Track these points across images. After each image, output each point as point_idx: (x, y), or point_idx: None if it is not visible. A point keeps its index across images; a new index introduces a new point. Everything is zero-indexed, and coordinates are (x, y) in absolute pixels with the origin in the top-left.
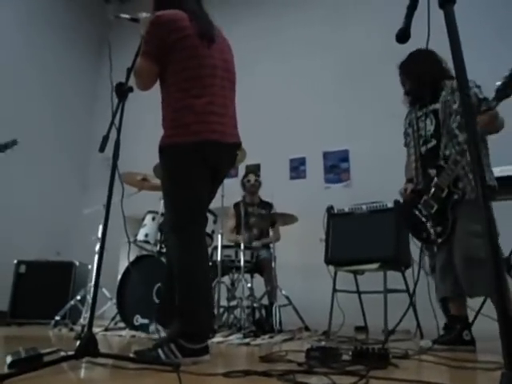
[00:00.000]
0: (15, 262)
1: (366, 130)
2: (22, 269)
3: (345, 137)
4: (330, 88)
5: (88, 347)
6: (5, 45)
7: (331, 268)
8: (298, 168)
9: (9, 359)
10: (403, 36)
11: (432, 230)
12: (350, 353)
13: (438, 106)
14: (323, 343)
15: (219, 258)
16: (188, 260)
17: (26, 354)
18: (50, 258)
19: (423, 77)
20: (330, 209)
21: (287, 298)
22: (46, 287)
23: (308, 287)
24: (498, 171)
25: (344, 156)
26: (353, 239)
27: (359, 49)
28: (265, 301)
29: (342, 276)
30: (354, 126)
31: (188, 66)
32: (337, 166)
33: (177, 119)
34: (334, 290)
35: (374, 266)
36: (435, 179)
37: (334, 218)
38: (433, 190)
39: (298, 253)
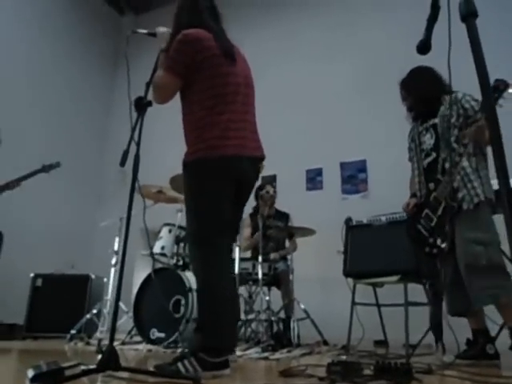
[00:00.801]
0: (32, 275)
1: (384, 139)
2: (39, 282)
3: (362, 147)
4: (346, 96)
5: (110, 361)
6: (18, 60)
7: (350, 280)
8: (314, 179)
9: (30, 373)
10: (424, 47)
11: (438, 242)
12: (372, 367)
13: (437, 120)
14: (344, 357)
15: (236, 271)
16: (209, 273)
17: (48, 368)
18: (65, 272)
19: (424, 93)
20: (348, 220)
21: (305, 311)
22: (62, 300)
23: (326, 300)
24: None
25: (361, 166)
26: (372, 251)
27: (378, 56)
28: (282, 314)
29: (361, 289)
30: (371, 136)
31: (213, 85)
32: (354, 177)
33: (200, 135)
34: (353, 303)
35: (394, 278)
36: (434, 193)
37: (353, 229)
38: (431, 203)
39: (316, 265)
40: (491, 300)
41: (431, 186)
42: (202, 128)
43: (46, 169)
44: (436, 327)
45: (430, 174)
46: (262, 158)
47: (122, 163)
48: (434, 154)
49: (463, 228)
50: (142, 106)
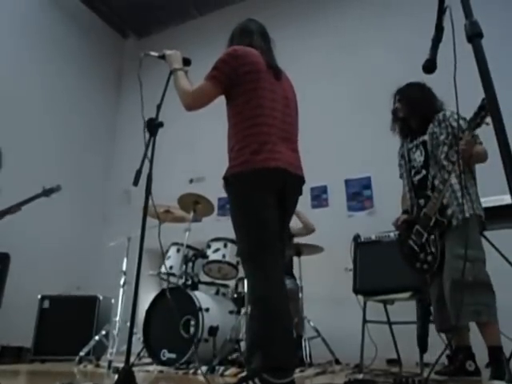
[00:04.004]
0: (39, 297)
1: (388, 155)
2: (46, 304)
3: (366, 163)
4: (349, 114)
5: (126, 381)
6: (24, 81)
7: (360, 298)
8: (319, 196)
9: None
10: (430, 67)
11: (428, 258)
12: None
13: (426, 137)
14: (361, 376)
15: (246, 289)
16: (261, 288)
17: None
18: (72, 293)
19: (417, 106)
20: (356, 237)
21: (316, 329)
22: (70, 322)
23: (336, 318)
24: (483, 201)
25: (366, 183)
26: (382, 268)
27: (380, 73)
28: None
29: (371, 306)
30: (376, 152)
31: (254, 96)
32: (359, 194)
33: (239, 149)
34: (365, 321)
35: (406, 294)
36: (424, 209)
37: (362, 246)
38: (422, 219)
39: (324, 283)
40: (474, 317)
41: (421, 202)
42: (242, 141)
43: (46, 193)
44: (422, 341)
45: (420, 190)
46: (303, 178)
47: (135, 183)
48: (423, 172)
49: (452, 244)
50: (153, 127)
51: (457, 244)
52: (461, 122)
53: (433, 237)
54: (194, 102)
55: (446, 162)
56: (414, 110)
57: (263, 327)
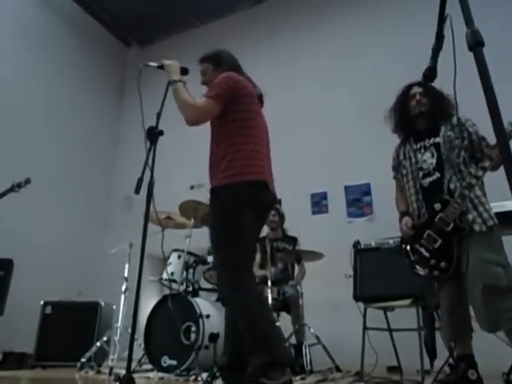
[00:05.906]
0: (41, 302)
1: (387, 162)
2: (48, 310)
3: (366, 170)
4: (349, 120)
5: None
6: (26, 89)
7: (360, 304)
8: (319, 203)
9: None
10: (430, 75)
11: (441, 264)
12: None
13: (438, 139)
14: None
15: None
16: (249, 296)
17: None
18: (74, 299)
19: (443, 105)
20: (356, 244)
21: (316, 336)
22: (72, 328)
23: (336, 325)
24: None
25: (366, 189)
26: (382, 274)
27: (381, 79)
28: (292, 340)
29: (372, 313)
30: (375, 159)
31: (247, 118)
32: (359, 200)
33: (231, 161)
34: (365, 328)
35: (407, 302)
36: (440, 213)
37: (362, 253)
38: (436, 224)
39: (324, 289)
40: (510, 324)
41: (437, 206)
42: (232, 155)
43: (14, 188)
44: (431, 348)
45: (431, 193)
46: (276, 199)
47: (137, 191)
48: (437, 174)
49: (479, 249)
50: (154, 135)
51: (484, 249)
52: (476, 128)
53: (450, 243)
54: (199, 118)
55: (463, 166)
56: (438, 108)
57: (258, 334)
